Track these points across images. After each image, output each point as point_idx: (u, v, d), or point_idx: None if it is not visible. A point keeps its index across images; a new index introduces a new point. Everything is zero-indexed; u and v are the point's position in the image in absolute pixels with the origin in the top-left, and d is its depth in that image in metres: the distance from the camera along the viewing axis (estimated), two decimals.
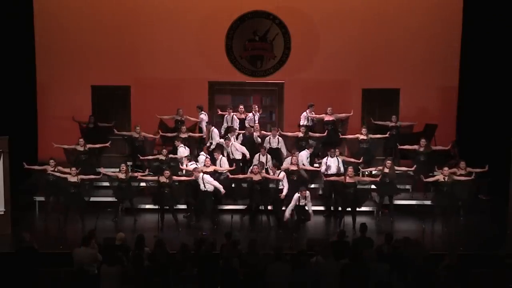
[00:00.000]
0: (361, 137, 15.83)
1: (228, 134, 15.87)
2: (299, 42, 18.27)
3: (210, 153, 15.61)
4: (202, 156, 15.26)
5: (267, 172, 14.61)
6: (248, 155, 15.49)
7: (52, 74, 18.00)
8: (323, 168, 15.06)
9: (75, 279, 10.64)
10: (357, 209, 14.28)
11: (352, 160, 15.13)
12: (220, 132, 16.43)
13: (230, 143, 15.49)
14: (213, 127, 16.46)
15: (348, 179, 14.06)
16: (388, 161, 14.61)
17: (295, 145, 15.90)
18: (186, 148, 15.64)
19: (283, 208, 14.08)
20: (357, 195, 14.18)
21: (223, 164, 15.01)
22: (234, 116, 16.62)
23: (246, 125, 16.40)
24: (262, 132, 16.14)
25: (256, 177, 14.16)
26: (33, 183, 14.80)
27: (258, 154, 15.25)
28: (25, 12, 17.37)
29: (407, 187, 15.59)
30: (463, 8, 17.73)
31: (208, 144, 16.31)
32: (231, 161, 15.37)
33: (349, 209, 14.16)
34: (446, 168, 14.27)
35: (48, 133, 17.63)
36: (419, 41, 18.07)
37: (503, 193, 14.71)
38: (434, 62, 18.13)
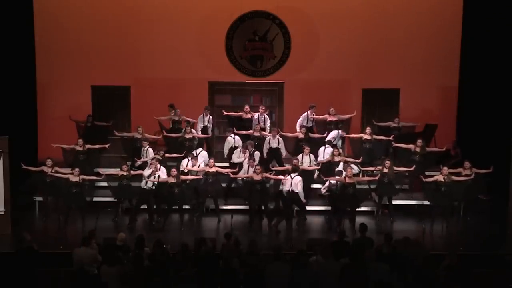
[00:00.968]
0: (365, 137, 15.82)
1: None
2: (299, 42, 18.27)
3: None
4: (204, 152, 15.36)
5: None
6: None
7: (52, 74, 18.00)
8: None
9: (75, 279, 10.64)
10: (357, 209, 14.29)
11: (351, 160, 15.12)
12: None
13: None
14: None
15: (347, 179, 14.07)
16: (387, 161, 14.60)
17: (295, 146, 15.90)
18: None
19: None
20: (356, 195, 14.18)
21: None
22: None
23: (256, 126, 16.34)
24: (262, 132, 16.14)
25: (257, 177, 14.17)
26: (33, 183, 14.79)
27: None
28: (25, 12, 17.36)
29: (406, 187, 15.56)
30: (463, 8, 17.73)
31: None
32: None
33: (348, 209, 14.17)
34: (445, 168, 14.27)
35: (48, 133, 17.65)
36: (419, 41, 18.08)
37: (503, 193, 14.71)
38: (434, 62, 18.13)
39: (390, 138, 15.89)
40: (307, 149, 15.18)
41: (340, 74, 18.25)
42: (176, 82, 18.11)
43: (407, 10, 18.09)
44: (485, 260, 12.22)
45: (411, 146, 15.38)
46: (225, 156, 16.06)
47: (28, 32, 17.49)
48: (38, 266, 10.89)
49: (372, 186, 14.65)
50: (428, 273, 10.22)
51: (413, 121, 17.07)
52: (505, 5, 16.65)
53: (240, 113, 16.67)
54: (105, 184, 14.88)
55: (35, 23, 17.64)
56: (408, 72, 18.13)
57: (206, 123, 16.72)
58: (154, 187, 14.26)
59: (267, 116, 16.78)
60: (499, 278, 11.36)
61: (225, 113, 16.74)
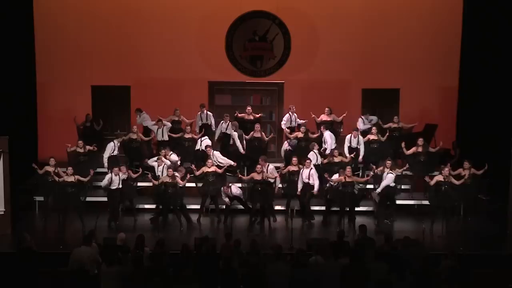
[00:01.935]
0: (372, 137, 15.81)
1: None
2: (299, 42, 18.27)
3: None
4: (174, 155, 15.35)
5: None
6: (233, 163, 15.38)
7: (52, 74, 18.01)
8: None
9: (75, 279, 10.64)
10: (356, 209, 14.30)
11: (356, 178, 14.95)
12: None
13: (211, 152, 15.23)
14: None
15: (346, 179, 14.07)
16: (388, 161, 14.59)
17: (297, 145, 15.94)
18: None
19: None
20: (355, 195, 14.17)
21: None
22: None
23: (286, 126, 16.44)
24: (262, 134, 16.15)
25: (257, 177, 14.17)
26: (33, 183, 14.78)
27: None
28: (25, 12, 17.36)
29: (407, 187, 15.57)
30: (463, 8, 17.73)
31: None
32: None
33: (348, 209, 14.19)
34: (446, 169, 14.26)
35: (48, 133, 17.69)
36: (419, 41, 18.08)
37: (503, 193, 14.70)
38: (434, 62, 18.14)
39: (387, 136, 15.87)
40: (316, 146, 15.28)
41: (340, 74, 18.24)
42: (176, 82, 18.11)
43: (407, 10, 18.10)
44: (485, 260, 12.23)
45: (414, 149, 15.31)
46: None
47: (28, 32, 17.50)
48: (38, 266, 10.89)
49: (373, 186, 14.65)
50: (428, 273, 10.22)
51: (413, 121, 17.05)
52: (505, 5, 16.64)
53: (243, 114, 16.70)
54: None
55: (35, 23, 17.65)
56: (408, 72, 18.13)
57: (204, 121, 16.69)
58: (120, 186, 14.26)
59: (294, 116, 16.77)
60: (499, 278, 11.36)
61: (239, 115, 16.75)
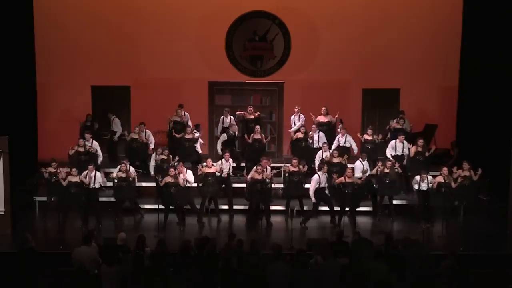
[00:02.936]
0: (366, 137, 15.80)
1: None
2: (299, 42, 18.28)
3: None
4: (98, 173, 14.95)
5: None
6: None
7: (52, 74, 18.01)
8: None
9: (75, 279, 10.64)
10: (356, 209, 14.31)
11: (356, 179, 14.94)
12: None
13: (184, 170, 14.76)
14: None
15: (346, 179, 14.08)
16: (389, 162, 14.60)
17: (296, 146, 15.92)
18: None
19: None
20: (355, 195, 14.18)
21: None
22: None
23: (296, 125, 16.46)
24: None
25: (258, 176, 14.18)
26: (33, 183, 14.78)
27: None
28: (25, 12, 17.36)
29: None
30: (463, 8, 17.73)
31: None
32: None
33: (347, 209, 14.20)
34: (445, 169, 14.26)
35: (48, 133, 17.69)
36: (419, 41, 18.09)
37: (503, 193, 14.71)
38: (434, 62, 18.15)
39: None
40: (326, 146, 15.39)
41: (340, 74, 18.25)
42: (176, 82, 18.12)
43: (407, 10, 18.10)
44: (485, 260, 12.23)
45: (413, 148, 15.31)
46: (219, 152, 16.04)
47: (28, 32, 17.50)
48: (38, 266, 10.89)
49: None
50: (428, 273, 10.23)
51: (413, 121, 17.03)
52: (505, 5, 16.65)
53: (244, 113, 16.73)
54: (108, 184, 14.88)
55: (35, 23, 17.64)
56: (408, 72, 18.14)
57: (226, 125, 16.67)
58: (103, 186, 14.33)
59: (300, 116, 16.80)
60: (499, 278, 11.37)
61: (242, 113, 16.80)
